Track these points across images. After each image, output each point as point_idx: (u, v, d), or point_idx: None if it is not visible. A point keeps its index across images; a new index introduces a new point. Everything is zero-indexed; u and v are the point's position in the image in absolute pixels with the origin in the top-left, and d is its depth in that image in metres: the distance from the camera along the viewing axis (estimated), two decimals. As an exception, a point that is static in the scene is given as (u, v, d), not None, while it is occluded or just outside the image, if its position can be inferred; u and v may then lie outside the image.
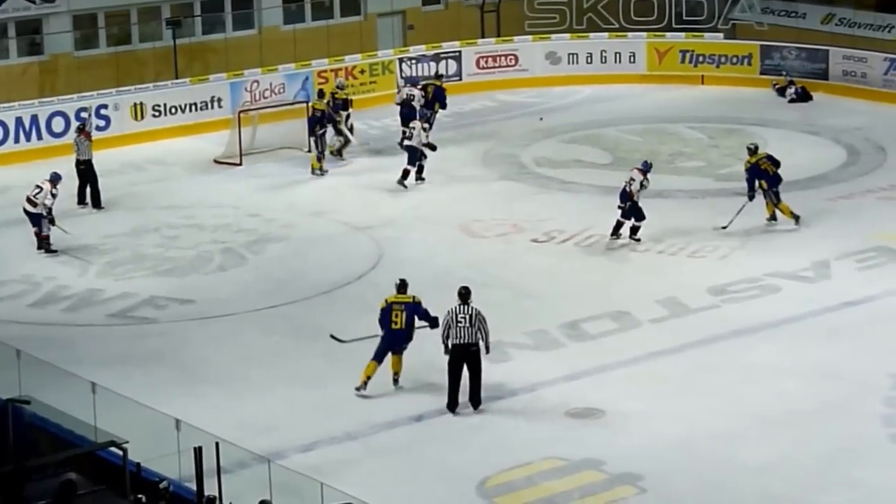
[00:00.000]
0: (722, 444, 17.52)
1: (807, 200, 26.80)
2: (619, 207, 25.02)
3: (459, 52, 36.99)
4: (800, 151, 30.44)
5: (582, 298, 22.53)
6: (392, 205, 27.73)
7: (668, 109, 34.73)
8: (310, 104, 30.74)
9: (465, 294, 18.56)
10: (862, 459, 17.12)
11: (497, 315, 19.42)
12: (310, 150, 30.11)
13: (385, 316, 18.99)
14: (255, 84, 33.78)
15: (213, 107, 33.31)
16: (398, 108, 31.71)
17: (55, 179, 25.17)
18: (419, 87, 32.21)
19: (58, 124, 31.45)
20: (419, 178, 28.76)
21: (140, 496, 13.81)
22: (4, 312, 22.63)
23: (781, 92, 35.41)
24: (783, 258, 24.00)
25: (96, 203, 27.77)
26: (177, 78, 34.35)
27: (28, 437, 15.72)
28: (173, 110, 33.01)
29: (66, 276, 24.10)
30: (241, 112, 31.60)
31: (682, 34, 37.68)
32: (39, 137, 31.39)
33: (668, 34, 37.78)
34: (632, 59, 37.32)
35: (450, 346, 18.39)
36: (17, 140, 31.26)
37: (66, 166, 27.25)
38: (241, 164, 30.52)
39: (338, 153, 30.76)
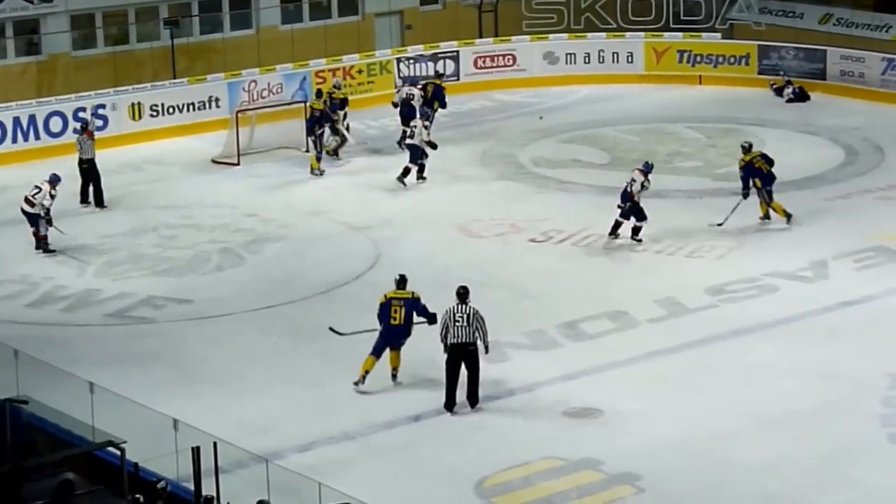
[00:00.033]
0: (720, 444, 17.50)
1: (804, 200, 26.81)
2: (619, 207, 25.02)
3: (457, 51, 36.98)
4: (797, 151, 30.44)
5: (580, 298, 22.52)
6: (390, 205, 27.71)
7: (666, 109, 34.69)
8: (308, 104, 30.77)
9: (463, 294, 18.56)
10: (860, 459, 17.10)
11: (495, 315, 19.41)
12: (308, 150, 30.11)
13: (384, 311, 19.00)
14: (253, 84, 33.73)
15: (210, 107, 33.28)
16: (395, 107, 31.70)
17: (54, 181, 25.14)
18: (419, 85, 32.20)
19: (55, 124, 31.42)
20: (420, 177, 28.71)
21: (138, 496, 13.79)
22: (2, 312, 22.60)
23: (779, 92, 35.39)
24: (781, 258, 23.99)
25: (99, 202, 27.73)
26: (174, 78, 34.31)
27: (26, 436, 15.71)
28: (171, 110, 32.97)
29: (64, 276, 24.07)
30: (238, 112, 31.57)
31: (680, 34, 37.66)
32: (37, 137, 31.34)
33: (665, 34, 37.76)
34: (629, 59, 37.29)
35: (448, 345, 18.39)
36: (14, 140, 31.22)
37: (64, 166, 27.21)
38: (238, 164, 30.49)
39: (334, 153, 30.70)
